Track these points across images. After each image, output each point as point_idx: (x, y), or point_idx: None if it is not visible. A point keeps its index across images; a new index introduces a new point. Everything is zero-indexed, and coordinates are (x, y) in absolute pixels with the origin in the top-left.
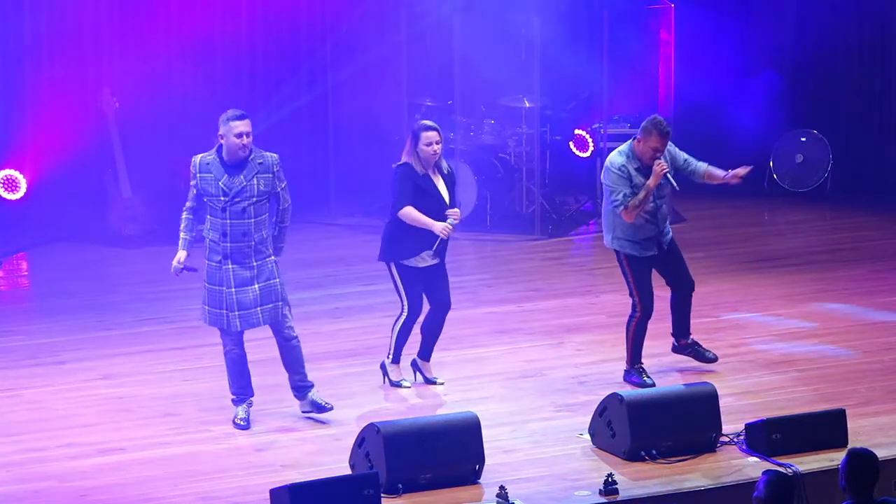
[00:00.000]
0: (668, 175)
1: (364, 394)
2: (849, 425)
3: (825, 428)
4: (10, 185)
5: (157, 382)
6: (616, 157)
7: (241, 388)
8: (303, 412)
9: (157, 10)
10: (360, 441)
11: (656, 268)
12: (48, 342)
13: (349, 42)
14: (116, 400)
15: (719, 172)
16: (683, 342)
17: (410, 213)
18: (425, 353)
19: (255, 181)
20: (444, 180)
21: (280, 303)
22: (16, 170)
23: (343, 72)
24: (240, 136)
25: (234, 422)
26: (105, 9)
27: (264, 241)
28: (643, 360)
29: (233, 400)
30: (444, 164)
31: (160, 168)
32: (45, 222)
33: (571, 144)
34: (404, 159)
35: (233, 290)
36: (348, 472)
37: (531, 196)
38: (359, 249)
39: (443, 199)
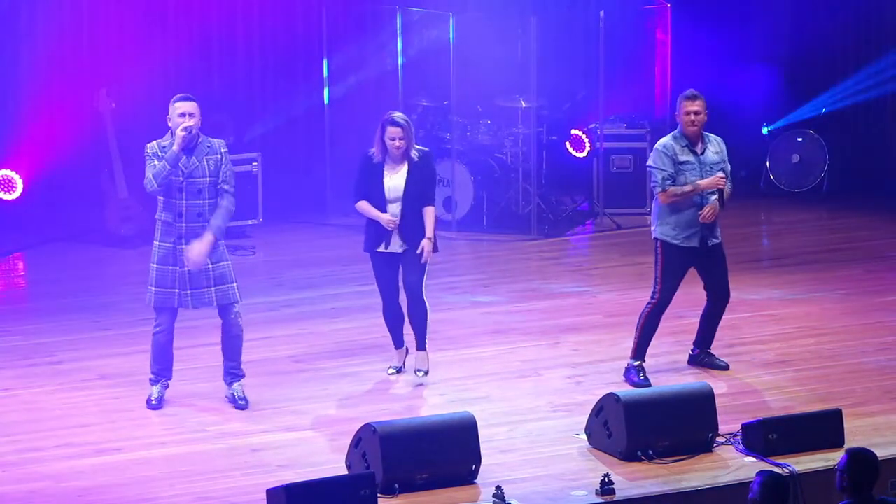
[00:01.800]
0: (725, 190)
1: (360, 394)
2: (845, 425)
3: (822, 428)
4: (7, 185)
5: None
6: (664, 138)
7: (162, 370)
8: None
9: (153, 10)
10: (357, 441)
11: (696, 268)
12: (44, 342)
13: (346, 42)
14: (113, 400)
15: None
16: (699, 352)
17: (361, 206)
18: (417, 343)
19: (206, 161)
20: (410, 169)
21: (234, 283)
22: (12, 170)
23: (339, 71)
24: (182, 115)
25: (147, 401)
26: (102, 9)
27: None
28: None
29: (150, 379)
30: (415, 153)
31: None
32: (41, 222)
33: (568, 144)
34: (374, 148)
35: (187, 269)
36: (345, 472)
37: (528, 196)
38: (355, 249)
39: (383, 192)
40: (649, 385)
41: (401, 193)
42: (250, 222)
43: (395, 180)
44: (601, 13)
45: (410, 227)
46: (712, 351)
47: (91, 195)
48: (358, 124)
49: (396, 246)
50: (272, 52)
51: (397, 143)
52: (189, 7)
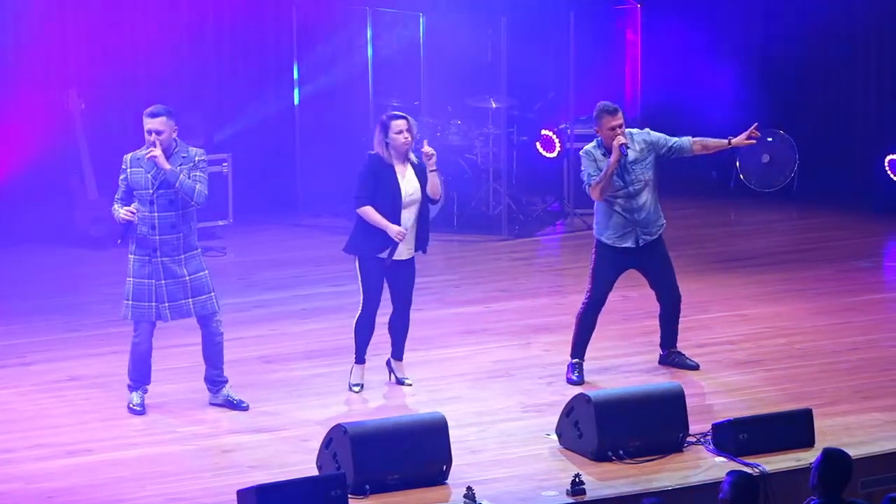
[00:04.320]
0: (626, 148)
1: (331, 394)
2: (816, 425)
3: (792, 428)
4: None
5: (125, 384)
6: (587, 146)
7: (140, 377)
8: (211, 403)
9: (123, 11)
10: (328, 442)
11: (637, 269)
12: (14, 343)
13: (316, 43)
14: (83, 401)
15: (714, 141)
16: (667, 352)
17: (368, 212)
18: (395, 352)
19: (179, 171)
20: (415, 170)
21: (212, 294)
22: None
23: (310, 72)
24: (149, 132)
25: (128, 407)
26: (71, 9)
27: (192, 233)
28: (586, 358)
29: (129, 386)
30: (412, 156)
31: None
32: (10, 223)
33: (538, 145)
34: (376, 149)
35: (163, 282)
36: (315, 472)
37: (498, 196)
38: (326, 250)
39: (399, 195)
40: (582, 383)
41: (417, 197)
42: (220, 223)
43: (408, 185)
44: (571, 13)
45: (420, 231)
46: (682, 350)
47: (61, 196)
48: (328, 125)
49: (404, 252)
50: (242, 52)
51: (405, 135)
52: (159, 7)
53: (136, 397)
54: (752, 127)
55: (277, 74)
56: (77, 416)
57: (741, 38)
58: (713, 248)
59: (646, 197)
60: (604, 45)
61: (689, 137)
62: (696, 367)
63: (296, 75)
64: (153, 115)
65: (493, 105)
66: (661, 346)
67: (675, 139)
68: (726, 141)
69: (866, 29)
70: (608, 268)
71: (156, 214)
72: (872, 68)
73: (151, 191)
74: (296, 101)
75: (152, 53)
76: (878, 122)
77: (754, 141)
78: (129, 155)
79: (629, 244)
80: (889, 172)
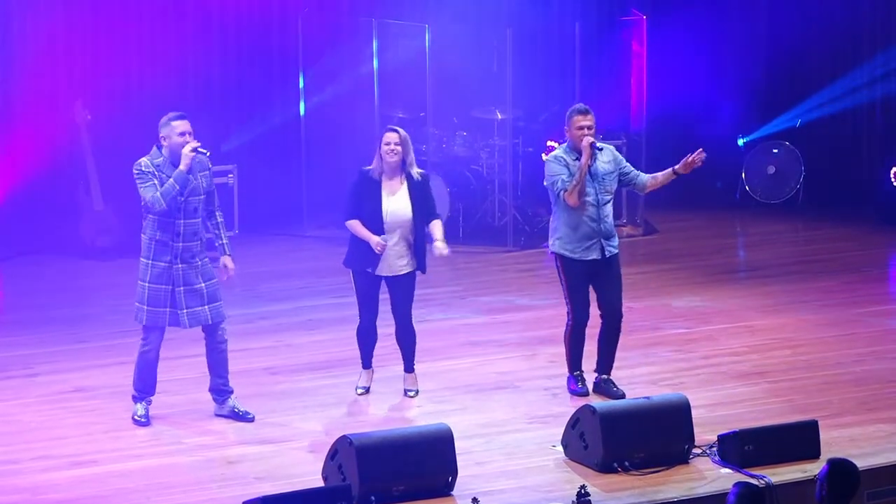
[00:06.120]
0: (595, 146)
1: (337, 405)
2: (821, 436)
3: (798, 439)
4: None
5: (130, 395)
6: (554, 151)
7: (145, 387)
8: (216, 414)
9: (129, 22)
10: (333, 453)
11: (592, 283)
12: (21, 354)
13: (322, 54)
14: (89, 413)
15: (661, 174)
16: (600, 378)
17: (353, 226)
18: (405, 365)
19: (200, 179)
20: (410, 187)
21: (222, 302)
22: None
23: (315, 83)
24: (182, 134)
25: (133, 418)
26: (78, 21)
27: (205, 241)
28: (583, 368)
29: (134, 396)
30: (416, 171)
31: (132, 180)
32: (16, 235)
33: (544, 156)
34: (373, 163)
35: (182, 288)
36: (321, 484)
37: (504, 208)
38: (331, 261)
39: (381, 215)
40: (587, 392)
41: (404, 217)
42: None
43: (394, 203)
44: (577, 25)
45: (418, 247)
46: (613, 379)
47: (67, 207)
48: (334, 136)
49: (400, 267)
50: (248, 63)
51: (392, 146)
52: (165, 19)
53: (140, 409)
54: (698, 151)
55: (283, 85)
56: (83, 427)
57: (746, 49)
58: (718, 260)
59: (609, 209)
60: (609, 57)
61: (647, 175)
62: (622, 397)
63: (301, 86)
64: (182, 118)
65: (499, 116)
66: (597, 369)
67: (634, 171)
68: (671, 171)
69: (873, 40)
70: (581, 286)
71: (181, 221)
72: (878, 79)
73: (180, 198)
74: (301, 112)
75: (158, 64)
76: (883, 134)
77: (699, 163)
78: (147, 161)
79: (595, 256)
80: (894, 183)
